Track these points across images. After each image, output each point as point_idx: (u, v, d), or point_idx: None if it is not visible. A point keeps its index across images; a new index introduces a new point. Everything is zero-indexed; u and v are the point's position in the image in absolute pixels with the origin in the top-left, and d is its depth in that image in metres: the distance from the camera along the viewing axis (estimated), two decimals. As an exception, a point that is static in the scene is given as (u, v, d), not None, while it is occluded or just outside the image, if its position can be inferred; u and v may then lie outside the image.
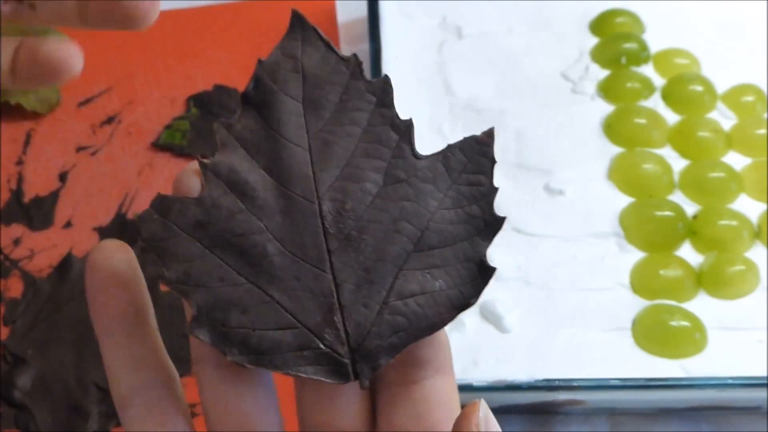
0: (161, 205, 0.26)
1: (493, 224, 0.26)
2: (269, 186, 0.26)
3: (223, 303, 0.25)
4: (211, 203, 0.26)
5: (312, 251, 0.26)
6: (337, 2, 0.61)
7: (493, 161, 0.26)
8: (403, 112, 0.58)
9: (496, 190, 0.26)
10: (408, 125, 0.27)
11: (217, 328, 0.25)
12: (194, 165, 0.26)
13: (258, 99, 0.26)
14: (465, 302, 0.26)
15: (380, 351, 0.25)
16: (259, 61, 0.26)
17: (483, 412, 0.23)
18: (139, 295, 0.27)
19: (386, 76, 0.27)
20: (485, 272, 0.26)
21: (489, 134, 0.26)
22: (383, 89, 0.27)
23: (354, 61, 0.26)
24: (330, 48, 0.26)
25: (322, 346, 0.25)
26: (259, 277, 0.25)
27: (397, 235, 0.26)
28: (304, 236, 0.26)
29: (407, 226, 0.26)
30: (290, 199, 0.26)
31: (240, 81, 0.58)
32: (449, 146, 0.26)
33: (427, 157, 0.26)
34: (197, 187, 0.26)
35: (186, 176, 0.26)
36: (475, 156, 0.26)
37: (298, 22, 0.27)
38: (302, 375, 0.25)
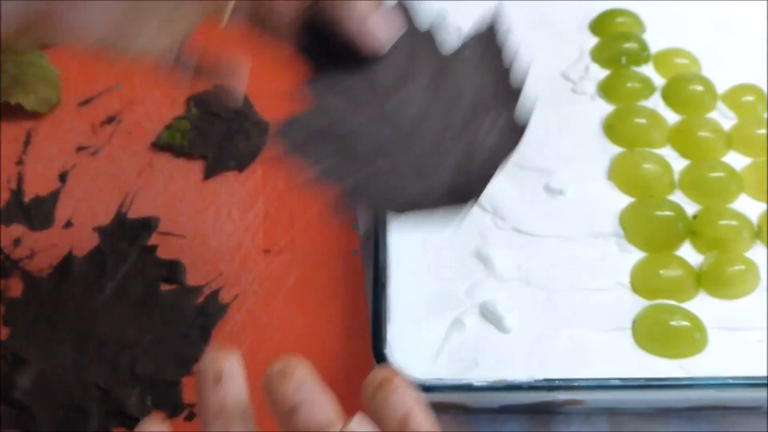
0: (283, 127, 0.34)
1: (517, 89, 0.36)
2: (354, 98, 0.35)
3: (367, 175, 0.34)
4: (320, 111, 0.35)
5: (404, 127, 0.35)
6: (337, 2, 0.61)
7: (506, 38, 0.35)
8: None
9: (515, 62, 0.36)
10: (431, 34, 0.36)
11: (371, 197, 0.34)
12: None
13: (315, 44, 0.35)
14: (515, 143, 0.36)
15: (479, 179, 0.34)
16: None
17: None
18: (238, 391, 0.30)
19: (437, 21, 0.36)
20: (521, 126, 0.36)
21: (495, 16, 0.35)
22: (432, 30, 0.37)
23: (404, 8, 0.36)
24: None
25: (441, 184, 0.34)
26: (377, 151, 0.34)
27: (455, 110, 0.35)
28: (391, 122, 0.35)
29: (459, 102, 0.35)
30: (373, 104, 0.35)
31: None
32: (467, 38, 0.36)
33: (453, 53, 0.36)
34: None
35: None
36: (490, 38, 0.36)
37: None
38: (430, 212, 0.35)
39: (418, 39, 0.36)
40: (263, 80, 0.58)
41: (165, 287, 0.50)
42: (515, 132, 0.36)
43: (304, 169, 0.33)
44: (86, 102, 0.58)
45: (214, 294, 0.49)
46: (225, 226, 0.52)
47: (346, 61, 0.34)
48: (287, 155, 0.33)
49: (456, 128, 0.35)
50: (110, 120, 0.57)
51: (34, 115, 0.57)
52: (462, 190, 0.34)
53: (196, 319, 0.48)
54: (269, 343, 0.48)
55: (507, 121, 0.36)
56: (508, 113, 0.36)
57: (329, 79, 0.35)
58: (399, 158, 0.34)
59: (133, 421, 0.45)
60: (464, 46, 0.36)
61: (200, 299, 0.49)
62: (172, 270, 0.50)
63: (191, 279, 0.50)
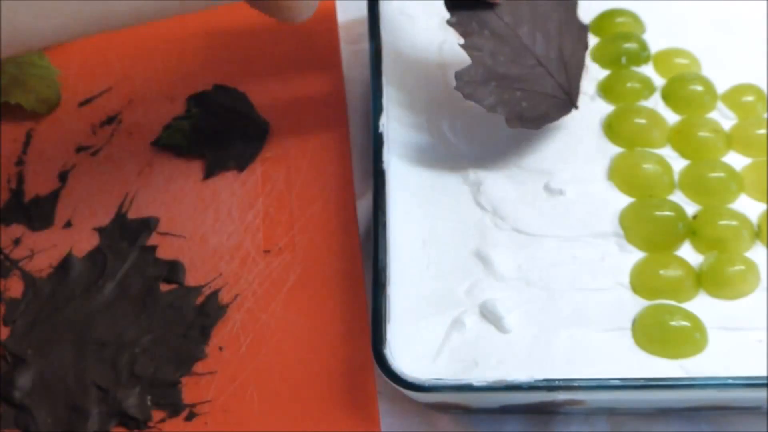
0: (459, 82, 0.47)
1: (573, 16, 0.50)
2: (499, 42, 0.48)
3: (515, 102, 0.48)
4: (477, 62, 0.47)
5: (528, 60, 0.48)
6: (337, 2, 0.61)
7: None
8: (402, 111, 0.58)
9: None
10: None
11: (520, 118, 0.48)
12: None
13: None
14: (584, 59, 0.51)
15: (574, 91, 0.50)
16: None
17: None
18: None
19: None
20: (585, 28, 0.51)
21: None
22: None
23: None
24: None
25: (561, 95, 0.49)
26: (517, 83, 0.47)
27: (551, 41, 0.49)
28: (523, 57, 0.48)
29: (551, 34, 0.49)
30: (511, 39, 0.48)
31: (240, 81, 0.58)
32: None
33: None
34: None
35: None
36: None
37: None
38: (552, 122, 0.50)
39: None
40: (263, 80, 0.58)
41: (165, 287, 0.50)
42: (582, 51, 0.50)
43: (479, 104, 0.47)
44: (86, 102, 0.58)
45: (214, 294, 0.49)
46: (225, 226, 0.52)
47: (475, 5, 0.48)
48: (467, 99, 0.47)
49: (555, 56, 0.48)
50: (110, 120, 0.57)
51: (34, 115, 0.57)
52: (568, 103, 0.49)
53: (196, 319, 0.48)
54: (269, 343, 0.48)
55: (576, 43, 0.50)
56: (574, 37, 0.50)
57: (470, 16, 0.48)
58: (529, 85, 0.47)
59: (133, 421, 0.45)
60: None
61: (200, 299, 0.49)
62: (172, 270, 0.50)
63: (191, 279, 0.50)
